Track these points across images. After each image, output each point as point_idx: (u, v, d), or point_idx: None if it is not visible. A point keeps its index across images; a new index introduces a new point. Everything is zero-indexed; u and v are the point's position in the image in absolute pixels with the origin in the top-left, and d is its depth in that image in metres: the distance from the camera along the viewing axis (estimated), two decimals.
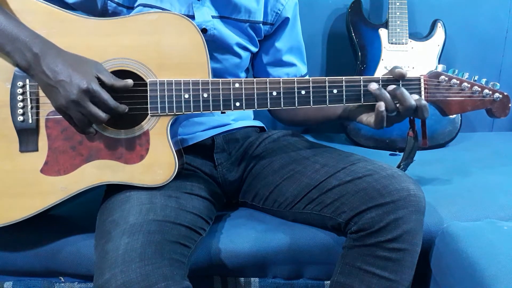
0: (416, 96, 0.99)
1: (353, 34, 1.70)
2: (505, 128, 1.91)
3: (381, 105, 0.98)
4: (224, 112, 1.02)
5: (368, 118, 1.03)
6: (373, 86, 1.00)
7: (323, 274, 1.10)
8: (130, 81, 0.96)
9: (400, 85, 1.01)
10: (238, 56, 1.17)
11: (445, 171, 1.39)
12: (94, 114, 0.92)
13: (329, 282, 1.04)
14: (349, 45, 1.75)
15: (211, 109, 1.00)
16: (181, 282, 0.86)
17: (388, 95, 0.98)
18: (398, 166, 1.12)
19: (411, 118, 1.08)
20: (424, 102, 0.99)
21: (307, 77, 1.25)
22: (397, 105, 0.99)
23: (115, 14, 1.10)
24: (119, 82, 0.95)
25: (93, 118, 0.93)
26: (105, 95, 0.92)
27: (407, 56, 1.67)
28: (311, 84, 1.00)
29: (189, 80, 0.99)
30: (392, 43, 1.68)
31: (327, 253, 1.07)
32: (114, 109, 0.94)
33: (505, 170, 1.41)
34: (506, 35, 1.83)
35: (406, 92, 0.98)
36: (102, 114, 0.93)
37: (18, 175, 1.00)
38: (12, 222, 1.01)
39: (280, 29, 1.22)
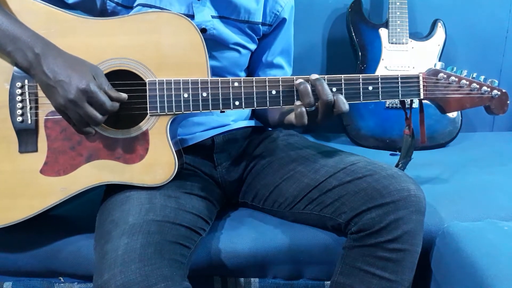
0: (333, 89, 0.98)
1: (353, 34, 1.70)
2: (505, 128, 1.91)
3: (298, 101, 0.98)
4: (224, 111, 1.01)
5: (289, 116, 1.02)
6: (297, 81, 0.99)
7: (323, 274, 1.10)
8: (124, 95, 0.96)
9: (399, 81, 1.01)
10: (237, 54, 1.17)
11: (445, 171, 1.39)
12: (90, 115, 0.92)
13: (329, 282, 1.04)
14: (349, 45, 1.75)
15: (210, 108, 1.00)
16: (181, 282, 0.86)
17: (308, 88, 0.96)
18: (397, 165, 1.12)
19: (407, 116, 1.08)
20: (341, 97, 0.97)
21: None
22: (317, 101, 0.97)
23: (114, 13, 1.10)
24: (114, 93, 0.95)
25: (89, 119, 0.93)
26: (102, 97, 0.92)
27: (407, 55, 1.67)
28: (310, 83, 1.00)
29: (188, 80, 0.99)
30: (392, 43, 1.68)
31: (327, 253, 1.07)
32: (111, 111, 0.94)
33: (505, 170, 1.41)
34: (506, 35, 1.83)
35: (325, 85, 0.96)
36: (98, 116, 0.93)
37: (18, 175, 1.00)
38: (12, 223, 1.01)
39: (276, 30, 1.22)
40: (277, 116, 1.11)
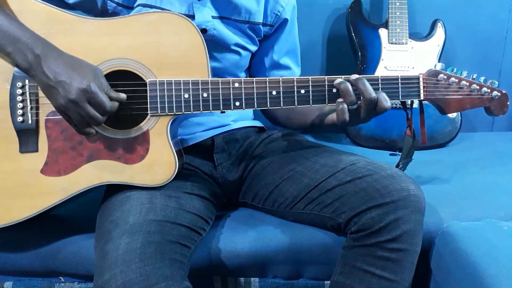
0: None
1: (353, 34, 1.70)
2: (505, 128, 1.91)
3: (340, 99, 0.99)
4: (224, 112, 1.02)
5: (332, 115, 1.03)
6: (337, 81, 1.00)
7: (323, 274, 1.10)
8: (123, 95, 0.96)
9: (399, 82, 1.01)
10: (238, 55, 1.17)
11: (445, 171, 1.39)
12: (91, 115, 0.92)
13: (329, 282, 1.04)
14: (349, 45, 1.75)
15: (210, 109, 1.00)
16: (181, 282, 0.86)
17: (349, 86, 0.98)
18: (397, 166, 1.12)
19: (408, 117, 1.08)
20: (383, 94, 0.98)
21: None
22: (359, 100, 0.99)
23: (114, 14, 1.10)
24: (113, 94, 0.95)
25: (90, 119, 0.93)
26: (102, 97, 0.92)
27: (407, 56, 1.67)
28: (310, 83, 1.00)
29: (189, 80, 0.99)
30: (392, 43, 1.68)
31: (327, 253, 1.07)
32: (110, 111, 0.94)
33: (505, 170, 1.41)
34: (506, 35, 1.83)
35: (367, 84, 0.98)
36: (98, 116, 0.93)
37: (18, 175, 1.00)
38: (12, 222, 1.01)
39: (279, 31, 1.23)
40: (312, 118, 1.12)
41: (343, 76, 1.00)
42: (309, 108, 1.11)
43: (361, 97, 0.98)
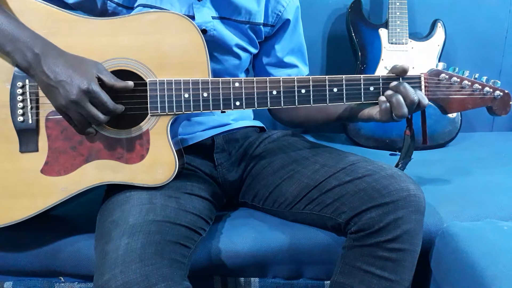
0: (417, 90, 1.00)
1: (353, 34, 1.70)
2: (505, 128, 1.91)
3: (382, 97, 1.00)
4: (224, 112, 1.02)
5: (370, 110, 1.03)
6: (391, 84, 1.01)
7: (323, 274, 1.10)
8: (130, 83, 0.97)
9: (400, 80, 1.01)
10: (238, 57, 1.17)
11: (445, 171, 1.39)
12: (93, 115, 0.92)
13: (329, 282, 1.04)
14: (349, 45, 1.75)
15: (211, 109, 1.00)
16: (181, 282, 0.86)
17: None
18: (397, 165, 1.12)
19: (408, 116, 1.08)
20: (420, 92, 1.00)
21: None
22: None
23: (114, 14, 1.10)
24: (119, 83, 0.95)
25: (92, 119, 0.93)
26: (105, 97, 0.92)
27: (407, 56, 1.67)
28: (311, 83, 1.00)
29: (189, 80, 0.99)
30: (392, 43, 1.68)
31: (327, 253, 1.08)
32: (113, 111, 0.94)
33: (505, 170, 1.41)
34: (506, 35, 1.83)
35: (408, 87, 0.98)
36: (101, 116, 0.93)
37: (19, 175, 1.00)
38: (12, 222, 1.01)
39: (281, 31, 1.22)
40: (340, 112, 1.11)
41: (380, 75, 1.01)
42: (323, 110, 1.12)
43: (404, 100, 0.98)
